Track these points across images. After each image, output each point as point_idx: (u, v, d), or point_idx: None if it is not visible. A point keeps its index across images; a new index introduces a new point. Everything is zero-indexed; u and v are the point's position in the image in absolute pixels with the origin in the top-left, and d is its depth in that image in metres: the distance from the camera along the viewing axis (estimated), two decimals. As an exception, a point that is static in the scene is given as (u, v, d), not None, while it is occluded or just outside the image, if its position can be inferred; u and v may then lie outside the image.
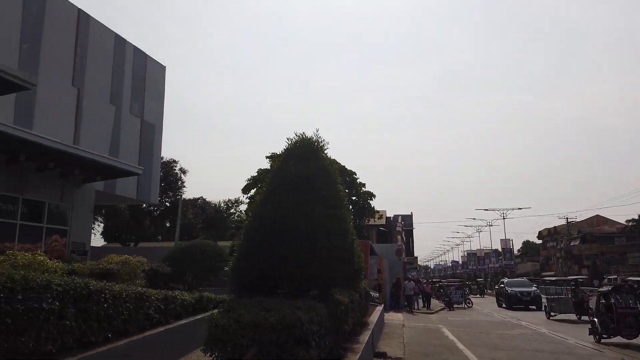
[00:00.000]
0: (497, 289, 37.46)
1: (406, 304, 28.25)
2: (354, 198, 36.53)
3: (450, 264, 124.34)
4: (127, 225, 41.73)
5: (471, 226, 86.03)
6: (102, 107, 21.00)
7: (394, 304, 27.34)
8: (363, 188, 38.44)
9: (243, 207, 47.35)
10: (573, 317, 21.61)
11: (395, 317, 21.62)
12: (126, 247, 38.68)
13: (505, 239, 73.59)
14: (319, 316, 6.21)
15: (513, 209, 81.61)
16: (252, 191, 36.86)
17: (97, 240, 41.81)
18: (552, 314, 22.93)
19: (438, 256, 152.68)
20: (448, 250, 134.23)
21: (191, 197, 51.12)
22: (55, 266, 9.30)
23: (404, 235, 63.47)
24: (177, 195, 43.20)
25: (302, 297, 7.10)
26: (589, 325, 15.08)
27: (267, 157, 36.77)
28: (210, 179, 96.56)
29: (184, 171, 45.06)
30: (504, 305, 32.04)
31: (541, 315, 24.60)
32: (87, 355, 5.95)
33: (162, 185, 35.51)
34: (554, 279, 28.90)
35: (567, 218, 65.59)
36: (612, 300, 13.76)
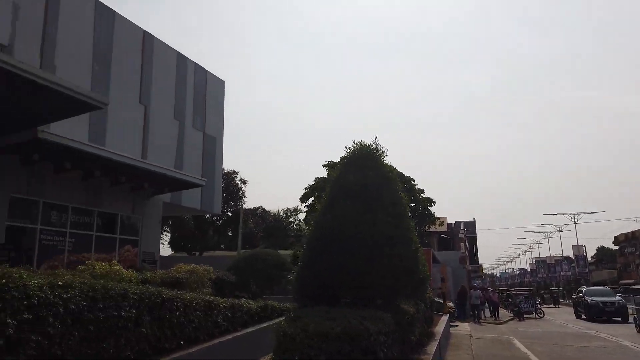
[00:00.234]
0: (574, 298, 34.74)
1: (472, 313, 27.27)
2: (413, 205, 35.90)
3: (518, 272, 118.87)
4: (192, 235, 43.34)
5: (539, 232, 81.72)
6: (167, 122, 22.03)
7: (459, 314, 26.47)
8: (422, 194, 37.71)
9: (302, 216, 47.83)
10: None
11: (461, 328, 20.91)
12: (192, 256, 40.14)
13: (578, 244, 69.39)
14: (386, 326, 6.10)
15: (585, 213, 76.73)
16: (310, 200, 37.17)
17: (165, 249, 43.76)
18: None
19: (504, 264, 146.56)
20: (515, 258, 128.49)
21: (251, 207, 52.39)
22: (130, 275, 9.79)
23: (467, 243, 61.44)
24: (238, 205, 44.39)
25: (367, 307, 7.02)
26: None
27: (324, 166, 37.01)
28: (268, 189, 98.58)
29: (244, 181, 46.30)
30: (583, 317, 29.32)
31: (625, 328, 22.68)
32: (162, 361, 6.18)
33: (223, 195, 36.61)
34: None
35: (646, 221, 60.81)
36: None
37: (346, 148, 8.76)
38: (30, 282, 4.71)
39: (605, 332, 20.46)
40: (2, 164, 14.52)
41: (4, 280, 4.46)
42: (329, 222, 7.73)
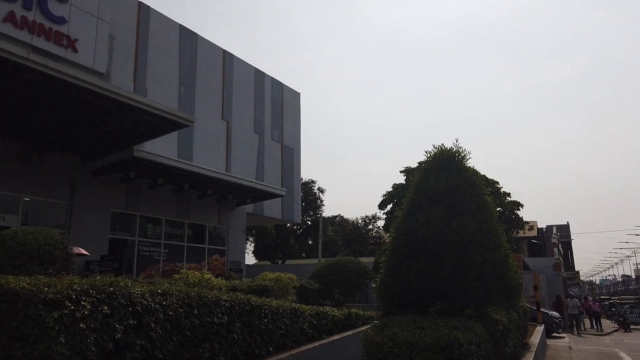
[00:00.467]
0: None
1: (570, 323, 25.32)
2: (499, 209, 34.22)
3: (621, 279, 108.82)
4: (274, 244, 44.54)
5: (643, 235, 74.20)
6: (247, 136, 22.92)
7: (557, 324, 24.67)
8: (508, 197, 35.84)
9: (380, 223, 47.38)
10: None
11: (558, 339, 19.47)
12: (275, 265, 41.22)
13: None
14: (477, 337, 5.83)
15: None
16: (389, 206, 36.71)
17: (249, 258, 45.38)
18: None
19: (604, 270, 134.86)
20: (616, 264, 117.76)
21: (330, 215, 52.82)
22: (220, 283, 10.23)
23: (560, 248, 57.29)
24: (317, 213, 44.95)
25: (456, 316, 6.77)
26: None
27: (401, 172, 36.43)
28: (345, 197, 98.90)
29: (322, 190, 46.84)
30: None
31: None
32: (252, 367, 6.37)
33: (303, 204, 37.29)
34: None
35: None
36: None
37: (426, 153, 8.56)
38: (134, 290, 5.07)
39: None
40: (105, 182, 15.91)
41: (111, 289, 4.84)
42: (411, 229, 7.58)
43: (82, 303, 4.37)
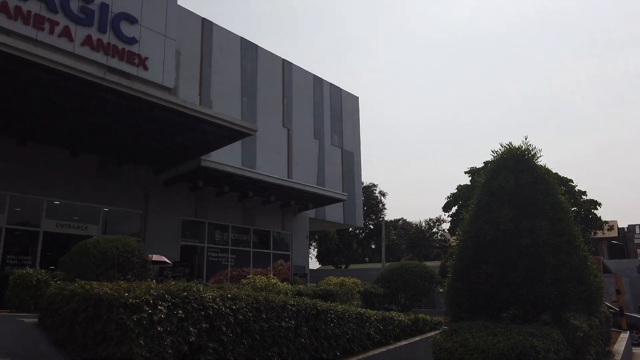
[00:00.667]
0: None
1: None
2: (574, 209, 32.27)
3: None
4: (337, 249, 44.66)
5: None
6: (308, 142, 23.21)
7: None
8: (584, 196, 33.73)
9: (445, 226, 46.19)
10: None
11: (646, 347, 17.96)
12: (338, 269, 41.31)
13: None
14: (555, 344, 5.52)
15: None
16: (453, 209, 35.71)
17: (312, 263, 45.78)
18: None
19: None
20: None
21: (392, 219, 52.21)
22: (285, 287, 10.40)
23: (644, 248, 53.04)
24: (379, 217, 44.59)
25: (531, 322, 6.44)
26: None
27: (466, 173, 35.35)
28: (407, 200, 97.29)
29: (383, 194, 46.43)
30: None
31: None
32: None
33: (364, 208, 37.15)
34: None
35: None
36: None
37: (493, 152, 8.25)
38: (205, 295, 5.28)
39: None
40: (175, 191, 16.71)
41: (185, 294, 5.06)
42: (479, 231, 7.32)
43: (159, 307, 4.61)
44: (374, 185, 46.15)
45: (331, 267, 44.49)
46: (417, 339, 8.98)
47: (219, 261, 18.34)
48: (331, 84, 25.46)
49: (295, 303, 6.55)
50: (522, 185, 7.33)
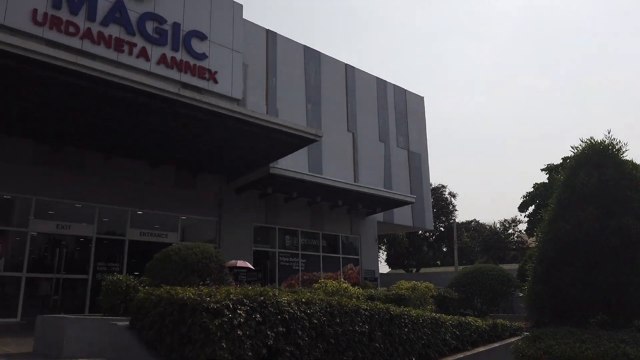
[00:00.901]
0: None
1: None
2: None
3: None
4: (407, 252, 43.98)
5: None
6: (373, 145, 23.12)
7: None
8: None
9: (522, 227, 44.04)
10: None
11: None
12: (409, 273, 40.64)
13: None
14: (652, 352, 5.09)
15: None
16: (530, 208, 33.98)
17: (382, 267, 45.38)
18: None
19: None
20: None
21: (464, 221, 50.60)
22: (357, 292, 10.41)
23: None
24: (450, 219, 43.38)
25: (622, 328, 5.99)
26: None
27: (542, 170, 33.56)
28: (479, 200, 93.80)
29: (453, 195, 45.15)
30: None
31: None
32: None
33: (434, 210, 36.30)
34: None
35: None
36: None
37: (572, 148, 7.77)
38: (281, 299, 5.42)
39: None
40: (246, 199, 17.31)
41: (261, 298, 5.23)
42: (561, 231, 6.91)
43: (238, 311, 4.80)
44: (443, 187, 45.05)
45: (401, 271, 43.87)
46: (496, 345, 8.65)
47: (290, 266, 18.72)
48: (395, 85, 25.23)
49: (368, 307, 6.54)
50: (606, 181, 6.84)
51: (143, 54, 14.59)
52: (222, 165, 15.99)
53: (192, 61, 15.69)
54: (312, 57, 21.27)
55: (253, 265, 16.55)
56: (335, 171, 20.18)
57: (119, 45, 14.14)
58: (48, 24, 12.89)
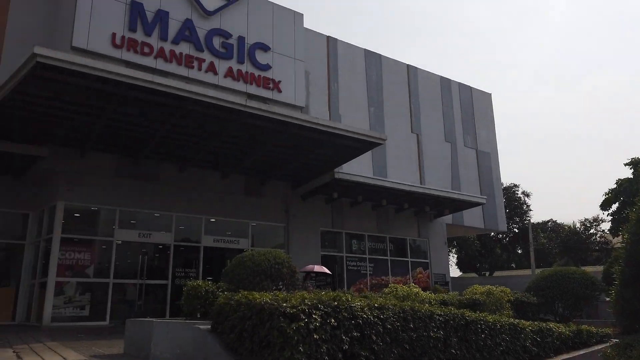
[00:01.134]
0: None
1: None
2: None
3: None
4: (478, 255, 42.46)
5: None
6: (439, 146, 22.60)
7: None
8: None
9: (605, 226, 41.09)
10: None
11: None
12: (482, 277, 39.19)
13: None
14: None
15: None
16: (614, 206, 31.58)
17: (453, 270, 44.10)
18: None
19: None
20: None
21: (540, 221, 48.06)
22: (428, 297, 10.22)
23: None
24: (525, 219, 41.39)
25: None
26: None
27: (626, 164, 31.07)
28: (555, 199, 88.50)
29: (527, 194, 43.07)
30: None
31: None
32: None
33: (506, 211, 34.82)
34: None
35: None
36: None
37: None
38: (354, 304, 5.45)
39: None
40: (312, 204, 17.54)
41: (335, 303, 5.29)
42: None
43: (314, 316, 4.89)
44: (516, 186, 43.12)
45: (474, 275, 42.38)
46: (581, 352, 8.17)
47: (357, 270, 18.72)
48: (460, 84, 24.55)
49: (442, 313, 6.42)
50: None
51: (211, 68, 15.26)
52: (288, 172, 16.34)
53: (256, 72, 16.19)
54: (372, 60, 21.22)
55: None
56: (400, 173, 19.94)
57: (189, 61, 14.89)
58: (125, 46, 13.84)
